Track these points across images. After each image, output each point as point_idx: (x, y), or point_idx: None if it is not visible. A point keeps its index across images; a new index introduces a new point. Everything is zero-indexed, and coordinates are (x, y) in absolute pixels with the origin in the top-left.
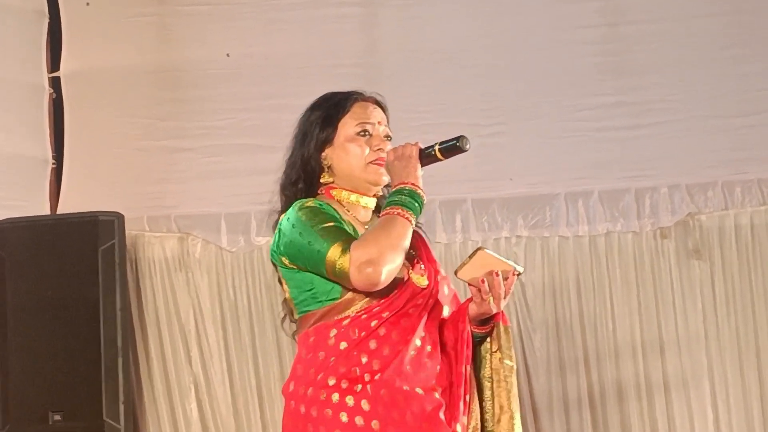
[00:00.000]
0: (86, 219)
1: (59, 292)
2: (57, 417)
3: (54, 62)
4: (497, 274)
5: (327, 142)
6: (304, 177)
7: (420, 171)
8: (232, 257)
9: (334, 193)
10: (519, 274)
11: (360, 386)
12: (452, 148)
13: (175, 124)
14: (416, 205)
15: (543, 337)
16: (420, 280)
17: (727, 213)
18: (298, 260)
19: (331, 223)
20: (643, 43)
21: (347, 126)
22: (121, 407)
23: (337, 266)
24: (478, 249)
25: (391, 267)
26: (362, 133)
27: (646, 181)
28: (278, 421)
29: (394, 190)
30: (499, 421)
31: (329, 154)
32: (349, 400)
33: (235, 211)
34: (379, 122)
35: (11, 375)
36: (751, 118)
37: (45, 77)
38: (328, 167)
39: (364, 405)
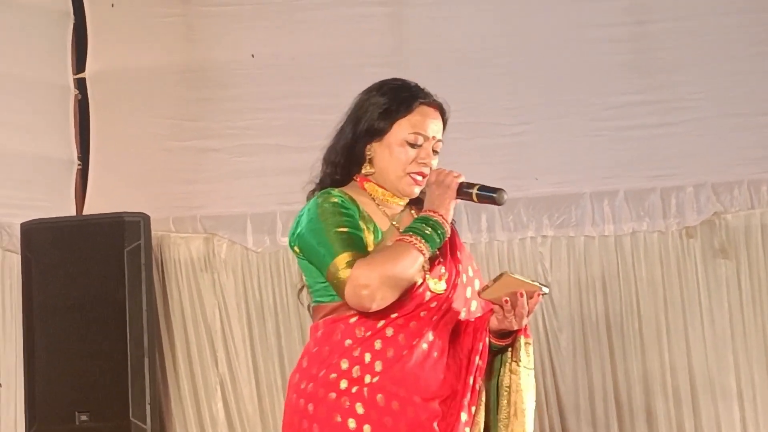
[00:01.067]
0: (112, 220)
1: (85, 292)
2: (84, 417)
3: (79, 63)
4: (521, 295)
5: (377, 135)
6: (347, 159)
7: (453, 204)
8: (257, 257)
9: (367, 186)
10: (544, 294)
11: (356, 388)
12: (488, 198)
13: (200, 125)
14: (437, 239)
15: (569, 336)
16: (437, 285)
17: (753, 212)
18: (305, 254)
19: (346, 229)
20: (669, 41)
21: (402, 128)
22: (148, 407)
23: (336, 278)
24: (503, 273)
25: (386, 295)
26: (413, 143)
27: (671, 180)
28: None
29: (421, 215)
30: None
31: (375, 148)
32: (345, 402)
33: (261, 211)
34: (433, 137)
35: (38, 376)
36: None
37: (70, 78)
38: (370, 159)
39: (359, 408)
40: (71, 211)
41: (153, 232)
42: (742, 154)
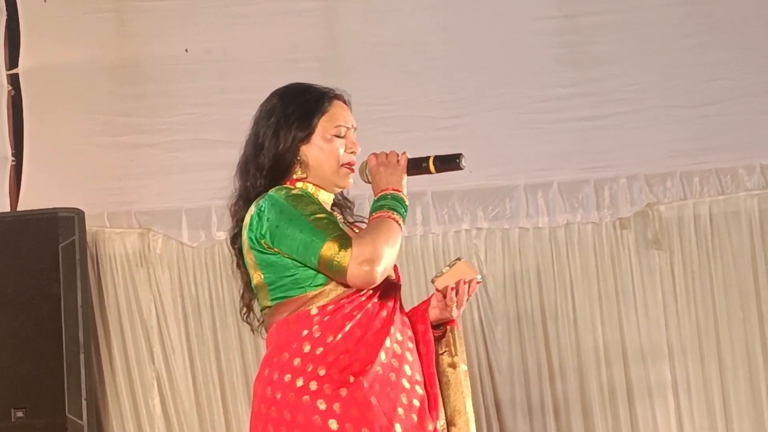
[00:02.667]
0: (46, 216)
1: (20, 289)
2: (19, 414)
3: (12, 59)
4: (465, 282)
5: (304, 139)
6: (274, 168)
7: (406, 180)
8: (193, 252)
9: (299, 185)
10: (479, 282)
11: (352, 378)
12: (449, 163)
13: (134, 120)
14: (402, 210)
15: (504, 328)
16: (391, 273)
17: (686, 203)
18: (282, 245)
19: (323, 215)
20: (602, 34)
21: (325, 126)
22: (84, 403)
23: (335, 261)
24: (458, 259)
25: (386, 267)
26: (338, 135)
27: (605, 171)
28: (241, 414)
29: (379, 195)
30: (455, 424)
31: (304, 151)
32: (343, 392)
33: (196, 206)
34: (352, 125)
35: None
36: (710, 107)
37: (3, 74)
38: (302, 163)
39: (359, 397)
40: (5, 207)
41: (87, 228)
42: (675, 145)
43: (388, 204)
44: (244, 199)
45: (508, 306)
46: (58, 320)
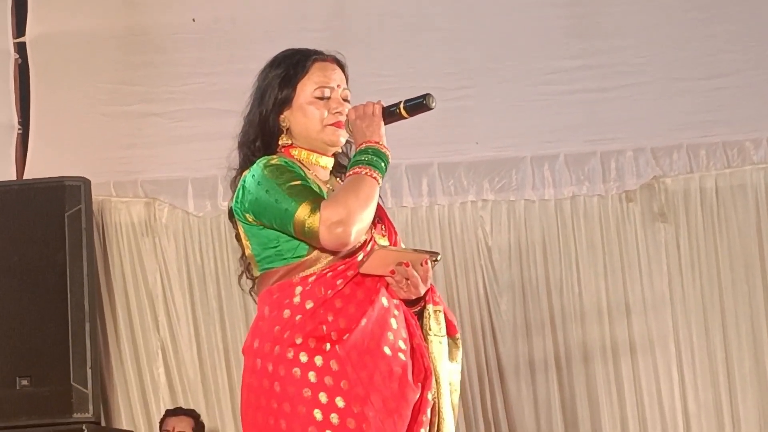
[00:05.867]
0: (52, 184)
1: (26, 257)
2: (24, 382)
3: (19, 27)
4: (407, 265)
5: (285, 103)
6: (261, 136)
7: (383, 129)
8: (198, 222)
9: (293, 152)
10: (436, 260)
11: (329, 345)
12: (418, 106)
13: (141, 89)
14: (382, 163)
15: (509, 300)
16: (382, 241)
17: (692, 176)
18: (263, 217)
19: (298, 182)
20: (610, 6)
21: (306, 88)
22: (89, 372)
23: (307, 226)
24: (375, 248)
25: (360, 227)
26: (321, 96)
27: (611, 144)
28: None
29: (358, 149)
30: None
31: (287, 116)
32: (318, 360)
33: (202, 175)
34: (338, 85)
35: None
36: (717, 80)
37: (10, 42)
38: (287, 129)
39: (333, 365)
40: (11, 176)
41: (94, 197)
42: (681, 118)
43: (366, 159)
44: (242, 171)
45: (513, 278)
46: (64, 289)
